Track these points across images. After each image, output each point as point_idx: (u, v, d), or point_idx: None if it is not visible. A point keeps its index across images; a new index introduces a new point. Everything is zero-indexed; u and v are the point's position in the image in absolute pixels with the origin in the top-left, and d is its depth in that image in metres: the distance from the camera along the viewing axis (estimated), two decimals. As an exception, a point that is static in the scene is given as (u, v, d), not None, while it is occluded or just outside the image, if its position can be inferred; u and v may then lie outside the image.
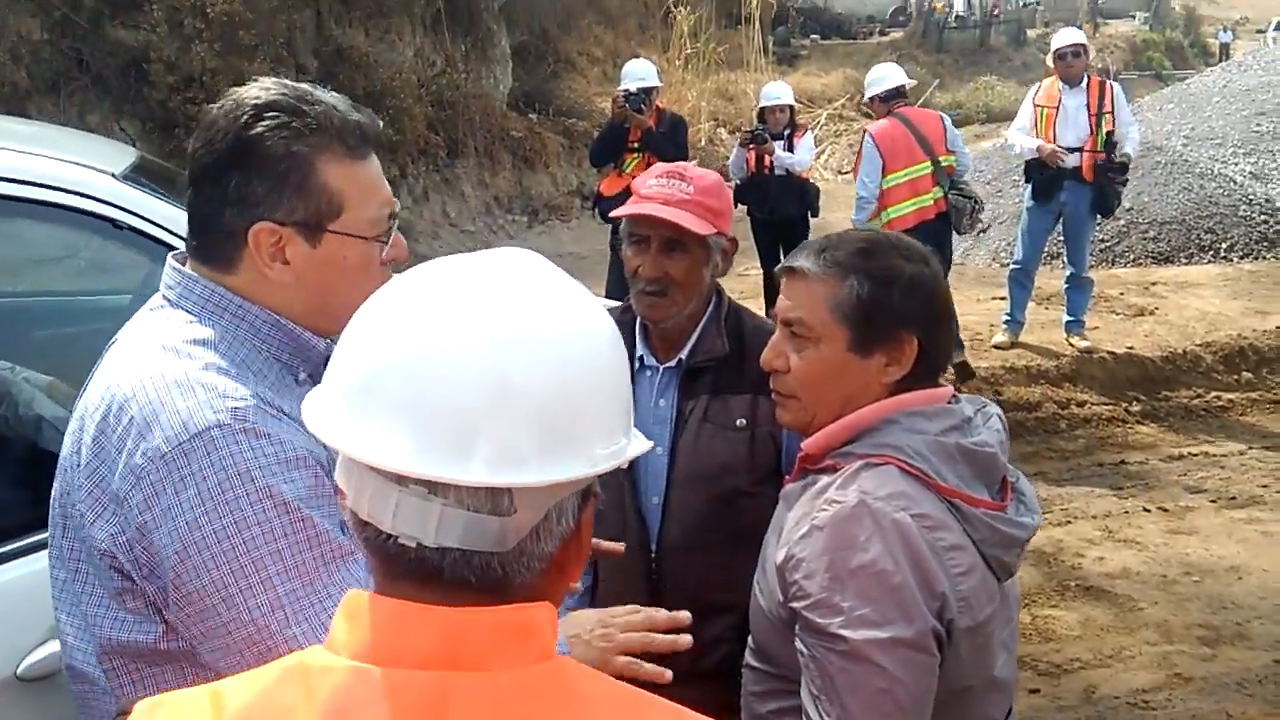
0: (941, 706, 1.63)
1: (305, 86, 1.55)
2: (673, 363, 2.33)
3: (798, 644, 1.64)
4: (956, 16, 33.69)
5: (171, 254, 1.59)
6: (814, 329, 1.74)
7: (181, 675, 1.44)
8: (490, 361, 0.89)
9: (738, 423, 2.28)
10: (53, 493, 1.55)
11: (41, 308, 3.34)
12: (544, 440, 0.90)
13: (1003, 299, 8.28)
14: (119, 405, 1.42)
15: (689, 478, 2.28)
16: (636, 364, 2.34)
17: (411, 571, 0.92)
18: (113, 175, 2.44)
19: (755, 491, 2.25)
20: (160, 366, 1.43)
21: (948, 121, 7.40)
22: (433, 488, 0.89)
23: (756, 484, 2.26)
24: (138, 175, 2.55)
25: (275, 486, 1.37)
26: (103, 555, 1.43)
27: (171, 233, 2.40)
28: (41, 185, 2.30)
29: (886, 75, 7.56)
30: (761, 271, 8.21)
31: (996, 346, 7.85)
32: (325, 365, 1.09)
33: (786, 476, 2.06)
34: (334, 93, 1.56)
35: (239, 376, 1.44)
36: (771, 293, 8.08)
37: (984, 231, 9.96)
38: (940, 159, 7.09)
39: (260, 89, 1.51)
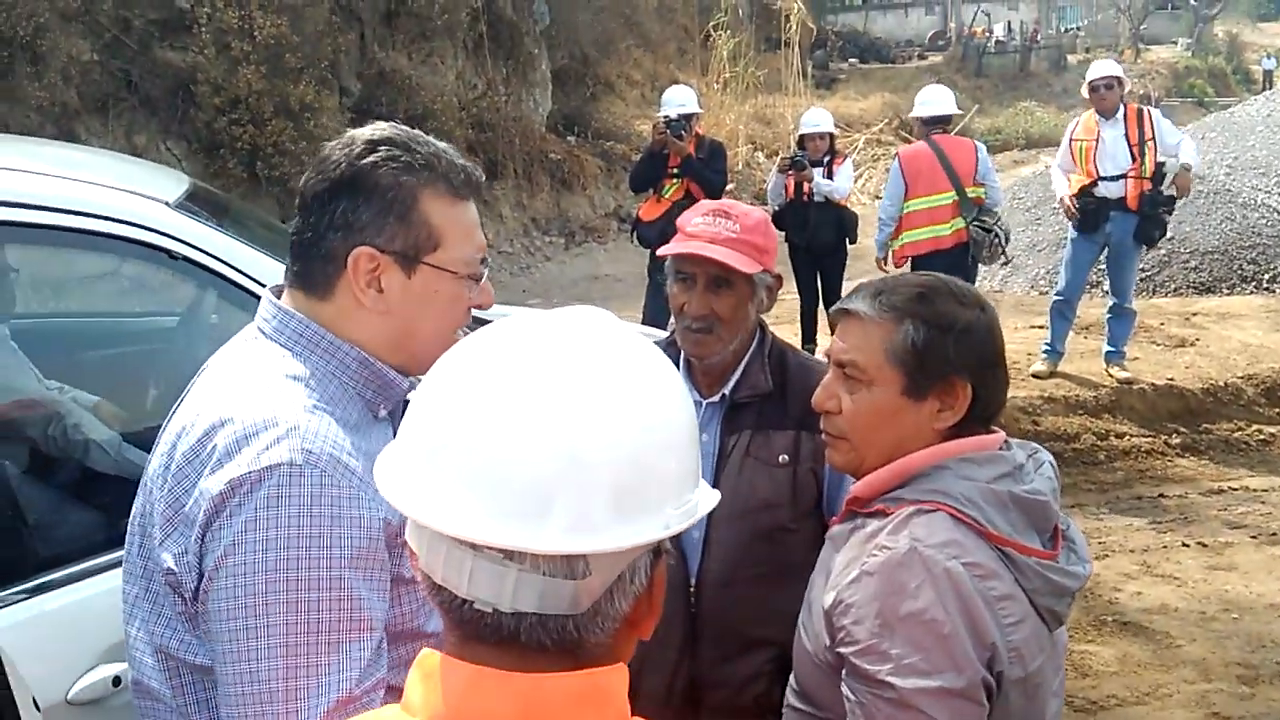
0: (990, 756, 1.61)
1: (417, 131, 1.61)
2: (716, 398, 2.33)
3: (844, 689, 1.63)
4: (996, 41, 33.67)
5: (268, 287, 1.64)
6: (867, 372, 1.73)
7: None
8: (564, 434, 0.90)
9: (780, 458, 2.27)
10: (133, 510, 1.58)
11: (90, 329, 3.39)
12: (619, 505, 0.90)
13: (1041, 327, 8.20)
14: (205, 433, 1.45)
15: (730, 513, 2.26)
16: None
17: (485, 636, 0.92)
18: (166, 204, 2.47)
19: (796, 527, 2.25)
20: (251, 400, 1.46)
21: (982, 152, 7.34)
22: (508, 554, 0.90)
23: (798, 520, 2.26)
24: (191, 204, 2.58)
25: (323, 538, 1.38)
26: (167, 574, 1.46)
27: (223, 261, 2.43)
28: (97, 216, 2.33)
29: (934, 100, 7.55)
30: (798, 297, 8.18)
31: (1035, 375, 7.74)
32: (404, 406, 1.09)
33: (830, 516, 2.05)
34: (444, 142, 1.62)
35: (325, 416, 1.47)
36: (808, 319, 8.07)
37: (1007, 263, 9.88)
38: (967, 190, 7.05)
39: (374, 128, 1.58)
